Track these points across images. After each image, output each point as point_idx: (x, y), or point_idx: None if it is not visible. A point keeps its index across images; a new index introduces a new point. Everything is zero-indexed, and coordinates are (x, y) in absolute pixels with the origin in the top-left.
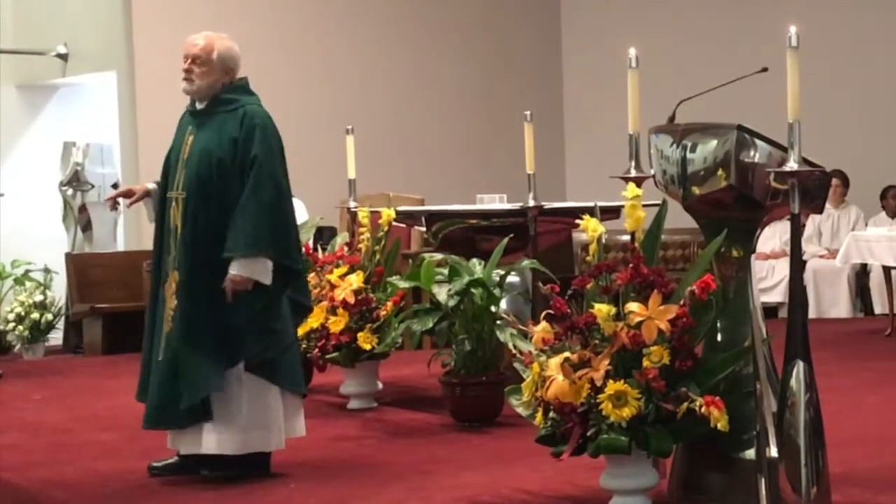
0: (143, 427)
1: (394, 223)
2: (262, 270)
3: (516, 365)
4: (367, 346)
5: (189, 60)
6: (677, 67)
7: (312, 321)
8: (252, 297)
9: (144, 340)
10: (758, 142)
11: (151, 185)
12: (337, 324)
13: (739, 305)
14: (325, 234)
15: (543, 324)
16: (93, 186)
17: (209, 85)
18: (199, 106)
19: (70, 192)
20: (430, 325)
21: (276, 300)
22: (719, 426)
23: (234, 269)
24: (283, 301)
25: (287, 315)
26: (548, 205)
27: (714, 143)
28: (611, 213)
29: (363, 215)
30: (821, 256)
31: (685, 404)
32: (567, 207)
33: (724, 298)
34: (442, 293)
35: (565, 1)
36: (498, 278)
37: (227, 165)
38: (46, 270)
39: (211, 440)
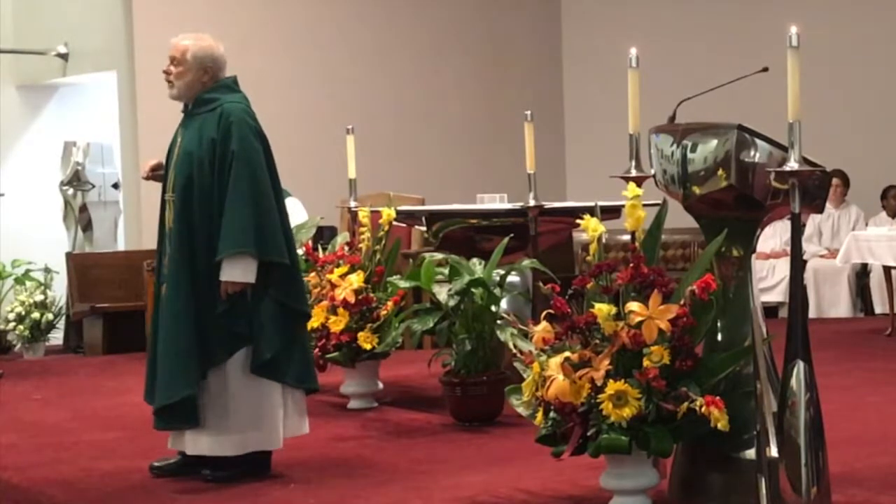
0: (154, 428)
1: (394, 223)
2: (248, 271)
3: (517, 365)
4: (368, 346)
5: (168, 63)
6: (677, 67)
7: (313, 321)
8: (233, 300)
9: (149, 341)
10: (758, 141)
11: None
12: (337, 323)
13: (739, 305)
14: (325, 234)
15: (544, 323)
16: (93, 186)
17: (187, 85)
18: (189, 107)
19: (70, 191)
20: (431, 324)
21: (256, 301)
22: (719, 426)
23: (223, 274)
24: (269, 303)
25: (275, 316)
26: (548, 204)
27: (714, 142)
28: (611, 213)
29: (363, 215)
30: (821, 256)
31: (685, 404)
32: (567, 207)
33: (724, 298)
34: (442, 293)
35: (565, 1)
36: (498, 278)
37: (206, 166)
38: (47, 270)
39: (204, 441)
